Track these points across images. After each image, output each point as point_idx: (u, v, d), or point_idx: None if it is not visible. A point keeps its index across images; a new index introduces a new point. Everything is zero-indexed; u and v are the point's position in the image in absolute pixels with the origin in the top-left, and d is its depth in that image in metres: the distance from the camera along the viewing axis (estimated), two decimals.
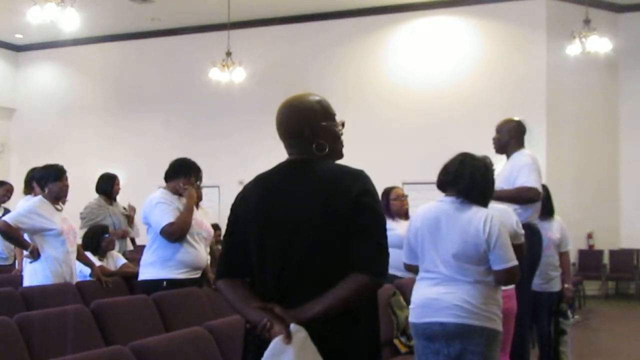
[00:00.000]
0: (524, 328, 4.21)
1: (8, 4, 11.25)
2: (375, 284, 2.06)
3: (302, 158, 2.17)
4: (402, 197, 5.57)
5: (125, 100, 13.56)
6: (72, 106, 13.92)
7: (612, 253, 11.46)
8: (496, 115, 5.07)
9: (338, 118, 2.30)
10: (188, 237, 4.58)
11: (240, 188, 2.28)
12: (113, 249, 5.82)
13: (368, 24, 11.94)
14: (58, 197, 4.95)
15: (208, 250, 4.92)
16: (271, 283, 2.07)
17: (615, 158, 11.61)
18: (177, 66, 13.07)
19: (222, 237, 4.35)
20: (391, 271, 2.37)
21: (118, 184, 6.65)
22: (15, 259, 6.25)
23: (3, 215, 6.64)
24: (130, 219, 6.79)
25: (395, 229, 4.82)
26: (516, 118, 4.75)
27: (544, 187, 4.77)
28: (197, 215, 4.78)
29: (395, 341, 4.60)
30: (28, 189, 6.10)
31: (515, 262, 3.15)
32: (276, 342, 1.91)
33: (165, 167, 4.78)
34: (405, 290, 4.47)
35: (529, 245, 4.05)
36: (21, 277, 5.42)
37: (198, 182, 4.78)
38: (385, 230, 2.07)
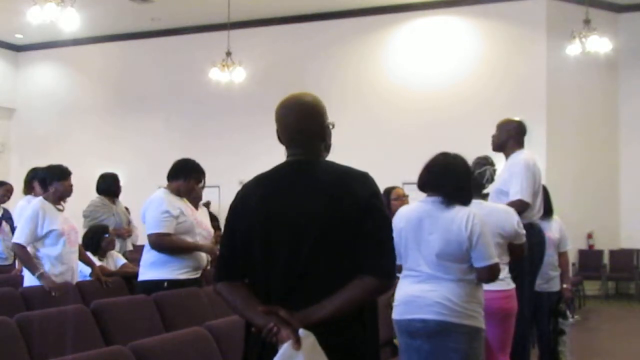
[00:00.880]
0: (524, 328, 4.21)
1: (8, 4, 11.25)
2: (383, 286, 2.04)
3: (307, 159, 2.14)
4: (403, 197, 5.57)
5: (125, 100, 13.57)
6: (72, 106, 13.92)
7: (612, 253, 11.46)
8: (496, 115, 5.07)
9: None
10: (188, 237, 4.58)
11: (240, 188, 2.25)
12: (113, 248, 5.81)
13: (368, 24, 11.94)
14: (62, 197, 4.95)
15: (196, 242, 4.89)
16: (276, 284, 2.04)
17: (616, 158, 11.61)
18: (177, 66, 13.07)
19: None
20: None
21: (119, 182, 6.65)
22: (15, 259, 6.25)
23: (2, 215, 6.67)
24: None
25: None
26: (517, 118, 4.75)
27: (543, 187, 4.77)
28: (198, 215, 4.78)
29: (395, 341, 4.59)
30: (28, 189, 6.11)
31: (495, 260, 3.19)
32: (286, 348, 1.88)
33: (165, 167, 4.77)
34: None
35: (532, 245, 4.05)
36: (21, 277, 5.43)
37: (200, 184, 4.77)
38: (391, 232, 2.08)
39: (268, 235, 2.06)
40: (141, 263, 4.70)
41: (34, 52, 14.38)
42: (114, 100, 13.72)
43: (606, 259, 11.44)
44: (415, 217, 3.26)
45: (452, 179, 3.25)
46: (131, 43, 13.53)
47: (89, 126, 13.69)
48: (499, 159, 4.68)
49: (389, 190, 5.54)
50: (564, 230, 5.29)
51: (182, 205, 4.61)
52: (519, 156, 4.51)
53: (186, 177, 4.65)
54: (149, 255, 4.61)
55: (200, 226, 4.71)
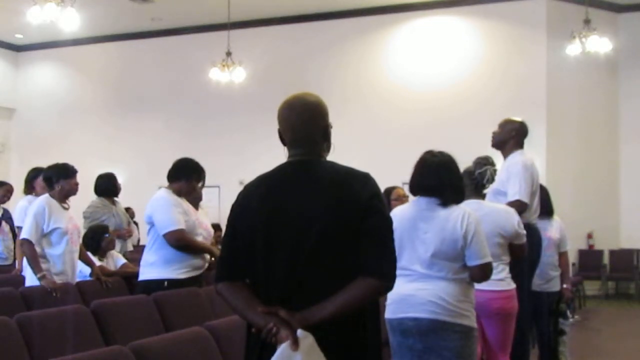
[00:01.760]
0: (524, 328, 4.21)
1: (8, 4, 11.25)
2: (383, 287, 2.05)
3: (309, 159, 2.14)
4: (403, 198, 5.57)
5: (125, 100, 13.57)
6: (72, 106, 13.92)
7: (612, 253, 11.46)
8: (496, 115, 5.07)
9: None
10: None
11: (240, 188, 2.25)
12: (113, 248, 5.82)
13: (368, 24, 11.94)
14: (67, 195, 4.99)
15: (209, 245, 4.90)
16: (277, 284, 2.04)
17: (616, 158, 11.61)
18: (177, 66, 13.07)
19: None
20: None
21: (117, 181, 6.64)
22: (15, 259, 6.25)
23: (2, 215, 6.67)
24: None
25: None
26: (519, 119, 4.75)
27: (542, 187, 4.77)
28: (198, 215, 4.78)
29: None
30: (28, 189, 6.10)
31: (489, 259, 3.19)
32: (284, 349, 1.88)
33: (165, 167, 4.77)
34: None
35: (529, 246, 4.05)
36: (22, 277, 5.43)
37: (200, 184, 4.77)
38: (392, 233, 2.08)
39: (269, 236, 2.06)
40: (141, 263, 4.70)
41: (34, 52, 14.38)
42: (114, 100, 13.72)
43: (606, 259, 11.43)
44: (409, 216, 3.26)
45: (447, 179, 3.24)
46: (131, 43, 13.53)
47: (89, 126, 13.69)
48: (497, 158, 4.69)
49: (389, 191, 5.54)
50: (564, 230, 5.29)
51: (183, 204, 4.62)
52: (517, 157, 4.51)
53: (187, 178, 4.65)
54: (149, 255, 4.61)
55: (200, 226, 4.72)
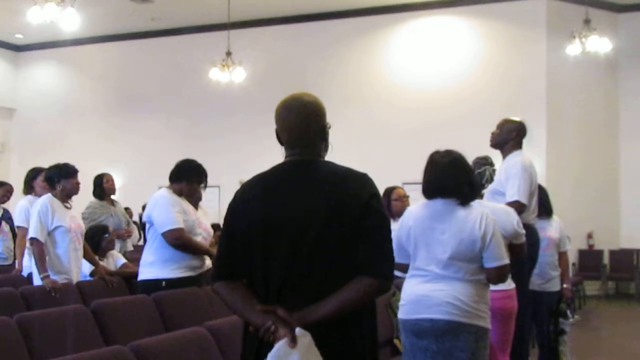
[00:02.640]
0: (524, 328, 4.21)
1: (8, 4, 11.25)
2: (381, 287, 2.04)
3: (307, 159, 2.14)
4: (404, 198, 5.57)
5: (125, 100, 13.57)
6: (72, 106, 13.92)
7: (612, 253, 11.46)
8: (496, 115, 5.07)
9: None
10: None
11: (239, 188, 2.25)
12: (113, 248, 5.82)
13: (368, 24, 11.94)
14: (69, 195, 5.02)
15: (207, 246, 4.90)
16: (275, 284, 2.04)
17: (616, 158, 11.61)
18: (177, 66, 13.07)
19: None
20: None
21: (109, 181, 6.63)
22: (15, 259, 6.25)
23: (2, 215, 6.67)
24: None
25: (396, 229, 4.81)
26: (518, 119, 4.75)
27: (541, 187, 4.76)
28: (197, 215, 4.77)
29: (396, 341, 4.60)
30: (28, 189, 6.10)
31: (506, 261, 3.18)
32: (281, 345, 1.89)
33: (165, 167, 4.77)
34: None
35: (527, 246, 4.05)
36: (22, 277, 5.43)
37: (202, 186, 4.77)
38: (390, 233, 2.08)
39: (267, 235, 2.06)
40: (141, 262, 4.70)
41: (34, 52, 14.38)
42: (114, 100, 13.72)
43: (606, 259, 11.43)
44: (425, 216, 3.23)
45: (462, 177, 3.22)
46: (131, 43, 13.53)
47: (89, 126, 13.69)
48: (497, 158, 4.69)
49: (389, 191, 5.54)
50: (564, 230, 5.29)
51: (184, 204, 4.62)
52: (516, 157, 4.51)
53: (189, 180, 4.66)
54: (148, 255, 4.61)
55: (200, 226, 4.72)
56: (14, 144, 14.50)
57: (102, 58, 13.84)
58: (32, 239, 4.82)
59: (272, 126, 2.22)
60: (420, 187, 3.35)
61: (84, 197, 6.44)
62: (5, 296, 4.37)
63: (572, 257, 10.53)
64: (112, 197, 6.82)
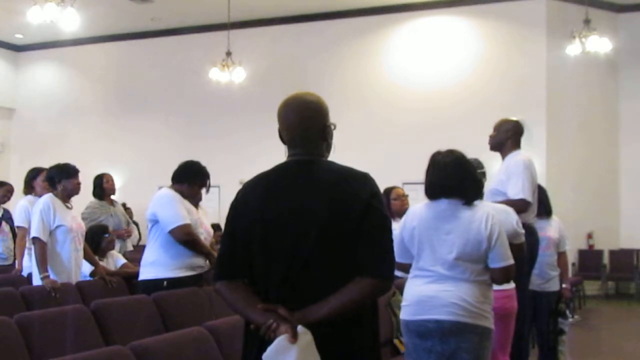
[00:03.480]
0: (523, 328, 4.21)
1: (8, 4, 11.25)
2: (381, 288, 2.05)
3: (308, 158, 2.14)
4: (403, 197, 5.57)
5: (125, 100, 13.57)
6: (72, 106, 13.92)
7: (612, 253, 11.46)
8: (496, 115, 5.07)
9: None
10: None
11: (240, 188, 2.24)
12: (113, 248, 5.82)
13: (368, 24, 11.94)
14: (70, 195, 5.03)
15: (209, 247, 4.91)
16: (276, 283, 2.04)
17: (615, 158, 11.61)
18: (177, 66, 13.07)
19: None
20: None
21: (109, 182, 6.63)
22: (15, 259, 6.25)
23: (3, 215, 6.67)
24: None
25: (396, 229, 4.80)
26: (515, 118, 4.75)
27: (541, 187, 4.77)
28: (199, 214, 4.78)
29: (396, 341, 4.60)
30: (28, 189, 6.11)
31: (512, 261, 3.17)
32: (281, 340, 1.89)
33: (165, 166, 4.78)
34: None
35: (526, 246, 4.05)
36: (22, 277, 5.43)
37: (204, 189, 4.77)
38: (391, 234, 2.07)
39: (267, 235, 2.07)
40: (141, 262, 4.70)
41: (34, 52, 14.38)
42: (114, 100, 13.72)
43: (606, 259, 11.43)
44: (429, 217, 3.22)
45: (466, 176, 3.21)
46: (131, 43, 13.53)
47: (89, 126, 13.69)
48: (495, 159, 4.69)
49: (389, 190, 5.54)
50: (563, 230, 5.29)
51: (186, 204, 4.63)
52: (517, 156, 4.51)
53: (191, 182, 4.66)
54: (149, 254, 4.61)
55: (201, 226, 4.72)
56: (14, 144, 14.50)
57: (102, 58, 13.83)
58: (34, 238, 4.82)
59: (273, 126, 2.22)
60: (420, 186, 3.35)
61: (84, 197, 6.44)
62: (5, 296, 4.37)
63: (572, 257, 10.54)
64: (112, 197, 6.83)
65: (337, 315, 1.97)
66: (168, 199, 4.57)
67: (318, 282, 2.01)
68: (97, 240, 5.55)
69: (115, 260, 5.69)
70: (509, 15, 11.15)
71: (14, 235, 6.30)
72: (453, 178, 3.19)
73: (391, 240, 2.06)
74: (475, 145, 4.59)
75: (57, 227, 4.85)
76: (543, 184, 4.99)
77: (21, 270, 5.69)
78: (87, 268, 5.26)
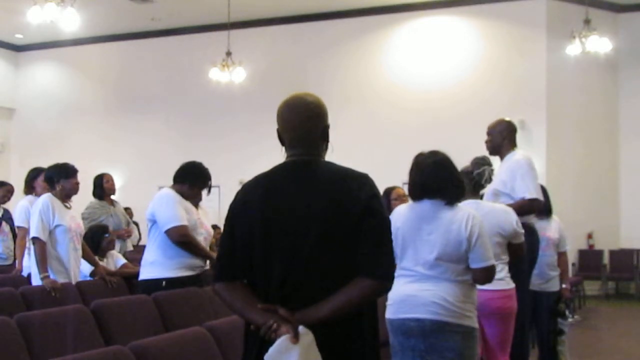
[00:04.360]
0: (523, 328, 4.21)
1: (8, 4, 11.25)
2: (381, 288, 2.05)
3: (308, 159, 2.15)
4: (403, 197, 5.56)
5: (125, 100, 13.57)
6: (72, 106, 13.93)
7: (612, 253, 11.46)
8: (496, 115, 5.07)
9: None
10: None
11: (240, 188, 2.24)
12: (113, 248, 5.82)
13: (368, 24, 11.94)
14: (69, 195, 5.02)
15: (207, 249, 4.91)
16: (275, 284, 2.04)
17: (616, 158, 11.61)
18: (177, 66, 13.07)
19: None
20: None
21: (109, 182, 6.62)
22: (15, 259, 6.26)
23: (3, 215, 6.67)
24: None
25: None
26: (506, 118, 4.75)
27: (541, 187, 4.77)
28: (197, 214, 4.78)
29: None
30: (28, 189, 6.11)
31: (492, 262, 3.19)
32: (283, 340, 1.90)
33: (165, 166, 4.78)
34: None
35: (527, 246, 4.05)
36: (22, 277, 5.43)
37: (205, 191, 4.77)
38: (391, 234, 2.08)
39: (268, 236, 2.06)
40: (141, 262, 4.71)
41: (34, 52, 14.38)
42: (114, 100, 13.72)
43: (606, 259, 11.43)
44: (412, 217, 3.25)
45: (446, 177, 3.22)
46: (131, 43, 13.53)
47: (89, 126, 13.69)
48: (495, 159, 4.69)
49: (389, 191, 5.54)
50: (563, 230, 5.29)
51: (186, 204, 4.63)
52: (516, 156, 4.52)
53: (192, 183, 4.66)
54: (148, 254, 4.62)
55: (201, 226, 4.72)
56: (14, 144, 14.50)
57: (102, 58, 13.84)
58: (34, 238, 4.81)
59: (273, 126, 2.22)
60: None
61: (84, 197, 6.44)
62: (5, 296, 4.37)
63: (572, 257, 10.54)
64: (112, 197, 6.82)
65: (337, 316, 1.98)
66: (167, 199, 4.57)
67: (318, 283, 2.01)
68: (97, 240, 5.55)
69: (115, 260, 5.69)
70: (509, 15, 11.16)
71: (14, 235, 6.30)
72: (434, 179, 3.22)
73: (390, 241, 2.07)
74: (475, 145, 4.60)
75: (57, 226, 4.85)
76: (543, 184, 4.99)
77: (21, 270, 5.69)
78: (87, 268, 5.26)
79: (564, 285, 5.21)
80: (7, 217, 6.70)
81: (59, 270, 4.85)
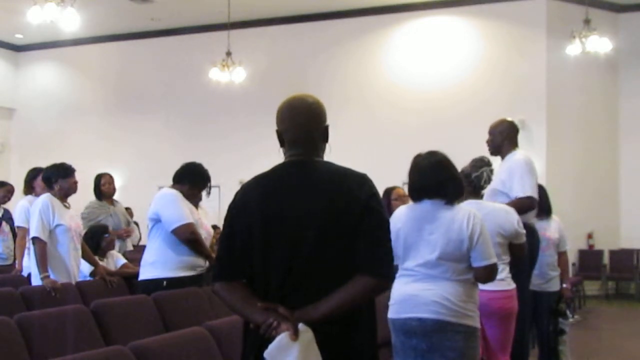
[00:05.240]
0: (524, 328, 4.21)
1: (8, 4, 11.25)
2: (380, 286, 2.06)
3: (307, 159, 2.15)
4: (403, 197, 5.55)
5: (125, 100, 13.58)
6: (72, 106, 13.93)
7: (612, 253, 11.46)
8: (496, 115, 5.07)
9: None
10: None
11: (239, 188, 2.24)
12: (113, 248, 5.82)
13: (368, 24, 11.95)
14: (67, 194, 5.03)
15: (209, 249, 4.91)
16: (275, 284, 2.05)
17: (616, 158, 11.61)
18: (177, 66, 13.07)
19: None
20: None
21: (106, 184, 6.61)
22: (15, 259, 6.26)
23: (3, 215, 6.67)
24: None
25: None
26: (509, 118, 4.76)
27: (541, 187, 4.77)
28: (197, 215, 4.78)
29: None
30: (28, 189, 6.11)
31: (494, 260, 3.19)
32: (283, 337, 1.91)
33: (165, 167, 4.78)
34: None
35: (527, 246, 4.05)
36: (22, 277, 5.43)
37: (204, 192, 4.77)
38: (389, 233, 2.09)
39: (267, 236, 2.07)
40: (141, 262, 4.71)
41: (34, 52, 14.39)
42: (114, 100, 13.73)
43: (606, 259, 11.44)
44: (413, 217, 3.25)
45: (444, 177, 3.23)
46: (131, 43, 13.54)
47: (89, 126, 13.69)
48: (495, 158, 4.69)
49: (389, 191, 5.53)
50: (563, 230, 5.29)
51: (187, 204, 4.63)
52: (517, 155, 4.52)
53: (192, 184, 4.67)
54: (149, 254, 4.62)
55: (201, 227, 4.72)
56: (14, 144, 14.50)
57: (102, 58, 13.84)
58: (34, 238, 4.81)
59: (273, 126, 2.22)
60: None
61: (84, 197, 6.44)
62: (5, 296, 4.36)
63: (572, 257, 10.54)
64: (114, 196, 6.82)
65: (336, 314, 1.98)
66: (171, 198, 4.57)
67: (317, 282, 2.02)
68: (97, 240, 5.55)
69: (115, 260, 5.69)
70: (509, 15, 11.16)
71: (14, 235, 6.30)
72: (433, 179, 3.22)
73: (389, 240, 2.08)
74: (475, 145, 4.60)
75: (56, 226, 4.86)
76: (543, 184, 4.99)
77: (21, 270, 5.69)
78: (87, 268, 5.26)
79: (564, 285, 5.21)
80: (7, 217, 6.71)
81: (59, 269, 4.85)
